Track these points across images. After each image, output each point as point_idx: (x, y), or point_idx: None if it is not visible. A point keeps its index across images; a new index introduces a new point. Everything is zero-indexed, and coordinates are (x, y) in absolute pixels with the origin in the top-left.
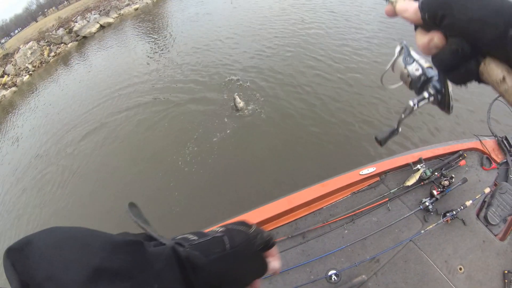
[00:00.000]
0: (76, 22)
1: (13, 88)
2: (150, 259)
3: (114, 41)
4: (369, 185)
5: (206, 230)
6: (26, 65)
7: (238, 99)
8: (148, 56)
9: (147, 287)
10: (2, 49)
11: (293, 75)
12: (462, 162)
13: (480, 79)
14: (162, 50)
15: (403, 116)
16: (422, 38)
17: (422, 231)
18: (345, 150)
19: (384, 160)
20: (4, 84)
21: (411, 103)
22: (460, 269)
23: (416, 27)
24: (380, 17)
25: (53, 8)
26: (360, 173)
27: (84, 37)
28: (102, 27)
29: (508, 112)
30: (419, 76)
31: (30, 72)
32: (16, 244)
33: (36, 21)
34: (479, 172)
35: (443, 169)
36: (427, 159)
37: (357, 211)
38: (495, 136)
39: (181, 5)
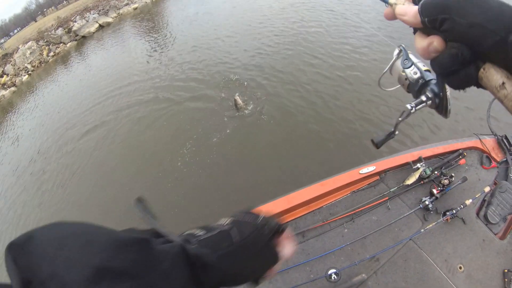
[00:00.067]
0: (75, 21)
1: (12, 88)
2: (157, 257)
3: (114, 40)
4: (369, 184)
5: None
6: (25, 65)
7: (238, 100)
8: (148, 55)
9: (154, 287)
10: (1, 49)
11: (293, 74)
12: (462, 161)
13: (479, 84)
14: (162, 49)
15: (400, 119)
16: (421, 41)
17: (422, 230)
18: (345, 148)
19: (384, 159)
20: (3, 84)
21: (408, 106)
22: (460, 268)
23: (415, 31)
24: (379, 16)
25: (52, 7)
26: (360, 172)
27: (83, 36)
28: (101, 26)
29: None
30: (417, 79)
31: (29, 72)
32: (18, 239)
33: (35, 21)
34: (479, 171)
35: (443, 168)
36: (427, 158)
37: (357, 210)
38: (495, 135)
39: (181, 4)
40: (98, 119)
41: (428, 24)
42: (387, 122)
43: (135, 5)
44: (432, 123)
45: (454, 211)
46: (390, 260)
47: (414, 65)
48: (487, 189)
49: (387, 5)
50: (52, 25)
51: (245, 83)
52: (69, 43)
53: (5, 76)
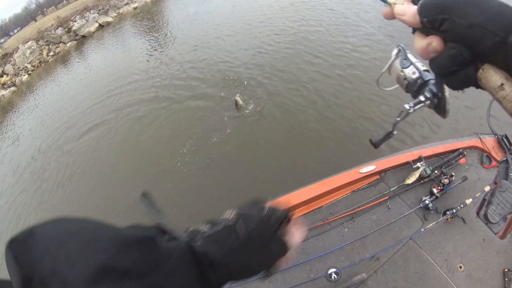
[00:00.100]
0: (75, 21)
1: (12, 88)
2: (162, 256)
3: (114, 40)
4: (369, 183)
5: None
6: (25, 64)
7: (239, 100)
8: (148, 54)
9: (158, 287)
10: (1, 48)
11: (294, 73)
12: (462, 160)
13: (477, 85)
14: (162, 48)
15: (398, 119)
16: (420, 41)
17: (422, 229)
18: (345, 147)
19: (384, 158)
20: (3, 84)
21: (406, 106)
22: (460, 267)
23: (414, 30)
24: (379, 15)
25: (52, 7)
26: (360, 171)
27: (83, 36)
28: (101, 26)
29: None
30: (416, 79)
31: (29, 72)
32: (19, 235)
33: (35, 21)
34: (479, 170)
35: (443, 167)
36: (427, 157)
37: (357, 209)
38: (495, 134)
39: (181, 3)
40: (98, 118)
41: (427, 24)
42: (388, 121)
43: (135, 5)
44: (433, 122)
45: (454, 211)
46: (390, 259)
47: (413, 65)
48: (487, 188)
49: (386, 4)
50: (52, 25)
51: (246, 82)
52: (69, 43)
53: (5, 76)
